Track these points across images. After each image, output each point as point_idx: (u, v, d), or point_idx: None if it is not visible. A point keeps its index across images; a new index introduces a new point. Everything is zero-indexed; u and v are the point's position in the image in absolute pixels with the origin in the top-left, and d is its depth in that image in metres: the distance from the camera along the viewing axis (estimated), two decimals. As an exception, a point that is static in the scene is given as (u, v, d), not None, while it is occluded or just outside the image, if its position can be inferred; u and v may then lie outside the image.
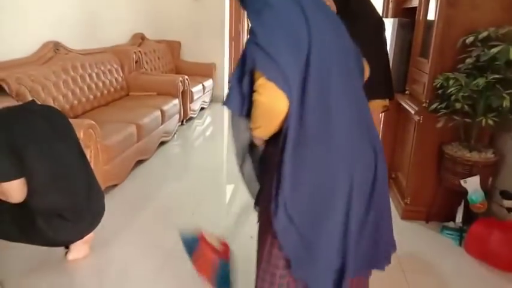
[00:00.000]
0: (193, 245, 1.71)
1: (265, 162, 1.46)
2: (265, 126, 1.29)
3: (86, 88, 3.75)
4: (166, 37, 6.20)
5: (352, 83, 1.38)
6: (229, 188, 3.47)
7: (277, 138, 1.29)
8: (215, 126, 5.65)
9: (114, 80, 4.30)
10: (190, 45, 6.33)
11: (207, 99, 6.12)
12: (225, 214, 2.95)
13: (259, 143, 1.42)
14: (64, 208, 2.02)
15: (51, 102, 3.21)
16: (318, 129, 1.26)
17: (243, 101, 1.28)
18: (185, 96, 4.90)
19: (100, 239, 2.41)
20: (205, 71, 6.15)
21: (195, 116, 5.49)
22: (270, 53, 1.19)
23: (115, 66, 4.39)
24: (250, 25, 1.29)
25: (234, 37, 7.95)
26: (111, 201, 3.00)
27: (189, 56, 6.36)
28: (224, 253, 1.67)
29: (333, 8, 2.33)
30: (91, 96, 3.82)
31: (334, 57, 1.30)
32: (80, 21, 4.09)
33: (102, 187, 2.92)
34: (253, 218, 1.64)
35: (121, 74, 4.47)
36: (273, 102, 1.22)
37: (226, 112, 6.35)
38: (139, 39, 5.39)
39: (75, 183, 2.08)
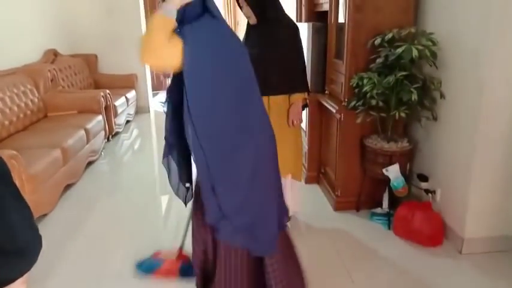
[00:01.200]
0: (154, 266, 2.19)
1: None
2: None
3: (-1, 115, 3.50)
4: (81, 51, 5.93)
5: None
6: (164, 199, 3.44)
7: None
8: (143, 138, 5.55)
9: (29, 102, 4.05)
10: (107, 57, 6.12)
11: (132, 111, 5.98)
12: (163, 227, 2.93)
13: None
14: (4, 241, 1.89)
15: (-39, 134, 2.98)
16: None
17: None
18: (109, 111, 4.75)
19: (36, 274, 2.28)
20: (126, 83, 6.00)
21: (121, 130, 5.34)
22: None
23: (29, 87, 4.13)
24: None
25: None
26: (42, 233, 2.87)
27: (108, 68, 6.15)
28: (182, 257, 2.17)
29: (253, 18, 2.46)
30: (6, 122, 3.57)
31: None
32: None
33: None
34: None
35: (36, 95, 4.22)
36: None
37: (153, 122, 6.26)
38: (52, 55, 5.11)
39: (10, 214, 1.95)
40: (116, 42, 6.06)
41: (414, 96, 2.43)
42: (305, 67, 2.61)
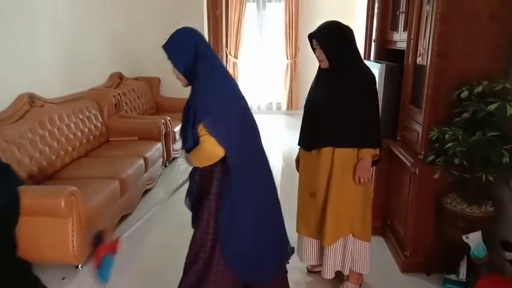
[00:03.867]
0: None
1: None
2: (204, 163, 1.90)
3: (64, 140, 3.56)
4: (144, 74, 6.05)
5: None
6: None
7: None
8: (198, 164, 5.50)
9: (93, 127, 4.12)
10: (169, 80, 6.16)
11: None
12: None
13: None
14: None
15: (27, 162, 3.03)
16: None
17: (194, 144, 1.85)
18: (168, 138, 4.75)
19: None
20: (186, 107, 6.01)
21: (177, 155, 5.33)
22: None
23: (93, 112, 4.21)
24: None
25: (213, 68, 7.87)
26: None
27: (169, 91, 6.22)
28: (112, 248, 2.01)
29: (325, 61, 2.30)
30: (69, 148, 3.63)
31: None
32: (55, 66, 3.92)
33: (83, 256, 2.74)
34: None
35: (100, 120, 4.30)
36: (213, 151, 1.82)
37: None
38: (118, 78, 5.23)
39: None
40: (178, 66, 6.11)
41: (506, 159, 2.14)
42: (379, 120, 2.38)
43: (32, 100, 3.41)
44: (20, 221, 2.56)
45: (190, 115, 1.80)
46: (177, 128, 5.15)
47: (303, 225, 2.53)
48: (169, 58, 1.87)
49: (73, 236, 2.61)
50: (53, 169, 3.34)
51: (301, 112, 2.56)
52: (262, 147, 2.03)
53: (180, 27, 1.93)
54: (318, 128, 2.34)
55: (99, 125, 4.26)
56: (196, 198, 2.01)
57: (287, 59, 7.94)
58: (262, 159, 2.03)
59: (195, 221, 2.02)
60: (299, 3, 7.64)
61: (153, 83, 6.04)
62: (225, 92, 1.88)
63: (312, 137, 2.39)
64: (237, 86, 1.99)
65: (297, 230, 2.59)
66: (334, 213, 2.36)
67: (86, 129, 3.98)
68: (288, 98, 8.12)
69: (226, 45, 7.92)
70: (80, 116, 3.95)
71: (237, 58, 7.99)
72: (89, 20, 4.59)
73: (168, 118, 4.80)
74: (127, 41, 5.75)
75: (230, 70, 8.00)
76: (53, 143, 3.41)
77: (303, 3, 7.68)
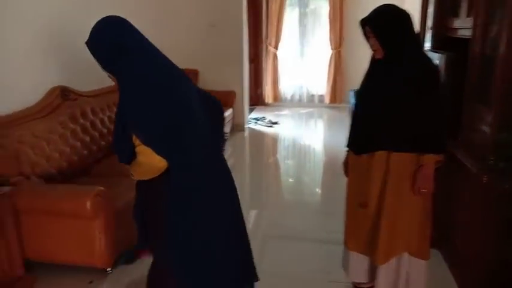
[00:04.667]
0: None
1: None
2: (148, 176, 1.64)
3: (97, 135, 3.45)
4: (183, 66, 5.86)
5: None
6: (253, 214, 3.52)
7: None
8: (236, 157, 5.35)
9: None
10: (208, 73, 6.01)
11: (227, 130, 5.79)
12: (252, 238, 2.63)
13: None
14: None
15: (56, 157, 2.92)
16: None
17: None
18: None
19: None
20: (224, 100, 5.80)
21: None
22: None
23: (128, 105, 4.08)
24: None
25: (254, 60, 7.65)
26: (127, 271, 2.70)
27: (208, 84, 6.02)
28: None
29: (379, 51, 2.00)
30: (103, 143, 3.51)
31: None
32: (90, 58, 3.79)
33: (112, 259, 2.60)
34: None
35: (135, 113, 4.16)
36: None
37: (247, 141, 6.05)
38: (155, 70, 5.09)
39: None
40: (217, 58, 5.94)
41: None
42: (444, 120, 2.04)
43: (64, 93, 3.30)
44: (45, 222, 2.49)
45: (120, 124, 1.58)
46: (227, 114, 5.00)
47: (351, 240, 2.24)
48: (92, 55, 1.62)
49: (100, 238, 2.47)
50: (84, 164, 3.22)
51: (345, 106, 2.26)
52: (219, 148, 1.83)
53: (103, 17, 1.63)
54: (371, 128, 2.03)
55: (134, 118, 4.12)
56: (144, 211, 1.81)
57: (331, 49, 7.55)
58: (218, 165, 1.79)
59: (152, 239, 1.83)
60: (344, -11, 7.23)
61: (191, 75, 5.87)
62: (161, 91, 1.57)
63: (363, 139, 2.09)
64: (185, 81, 1.71)
65: (344, 243, 2.31)
66: (388, 228, 2.06)
67: (120, 124, 3.85)
68: (332, 91, 7.72)
69: (267, 36, 7.65)
70: (115, 110, 3.80)
71: (277, 49, 7.69)
72: (122, 12, 4.45)
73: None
74: (163, 34, 5.60)
75: (270, 61, 7.72)
76: (85, 137, 3.29)
77: (349, -11, 7.25)
